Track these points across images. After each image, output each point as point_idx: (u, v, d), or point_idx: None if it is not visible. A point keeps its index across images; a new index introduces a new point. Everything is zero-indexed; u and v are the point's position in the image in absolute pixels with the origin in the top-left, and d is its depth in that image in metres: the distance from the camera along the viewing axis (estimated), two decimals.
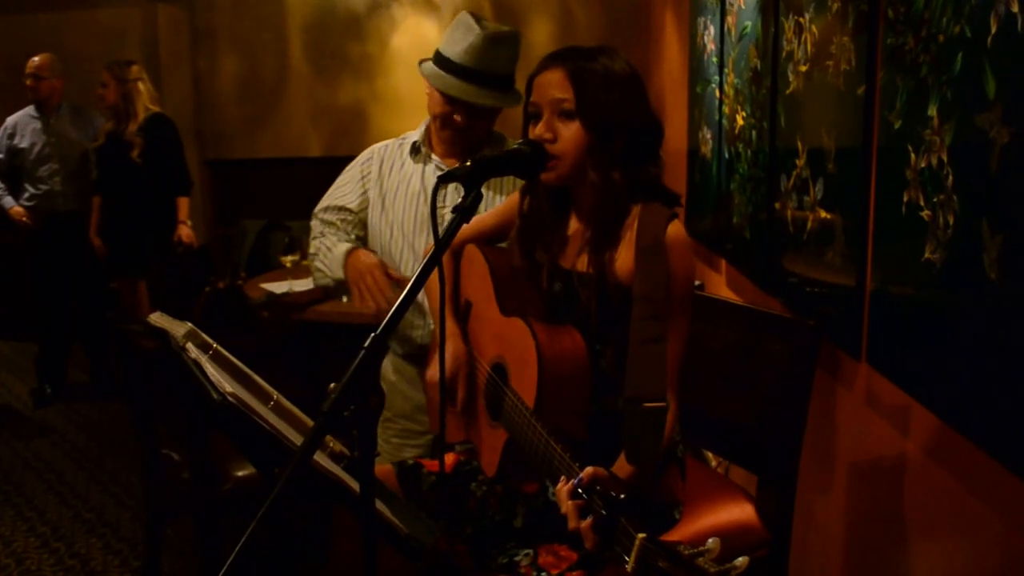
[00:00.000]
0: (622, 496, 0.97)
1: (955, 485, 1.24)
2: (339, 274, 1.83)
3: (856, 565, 1.62)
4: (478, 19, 1.77)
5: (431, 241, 1.83)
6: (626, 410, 1.13)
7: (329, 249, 1.86)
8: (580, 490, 1.02)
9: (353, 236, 1.90)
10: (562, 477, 1.06)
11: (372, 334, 0.92)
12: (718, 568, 0.82)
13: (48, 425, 3.78)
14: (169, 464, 2.19)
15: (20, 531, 2.83)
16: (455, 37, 1.77)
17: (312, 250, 1.92)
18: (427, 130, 1.89)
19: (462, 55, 1.74)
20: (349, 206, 1.90)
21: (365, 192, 1.90)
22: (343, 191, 1.92)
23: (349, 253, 1.81)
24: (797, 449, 1.48)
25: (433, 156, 1.87)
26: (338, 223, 1.90)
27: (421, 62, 1.83)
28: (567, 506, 1.02)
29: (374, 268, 1.78)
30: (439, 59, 1.78)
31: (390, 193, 1.88)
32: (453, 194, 1.85)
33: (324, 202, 1.93)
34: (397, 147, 1.92)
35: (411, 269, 1.87)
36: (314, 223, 1.94)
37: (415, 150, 1.88)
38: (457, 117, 1.77)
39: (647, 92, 1.29)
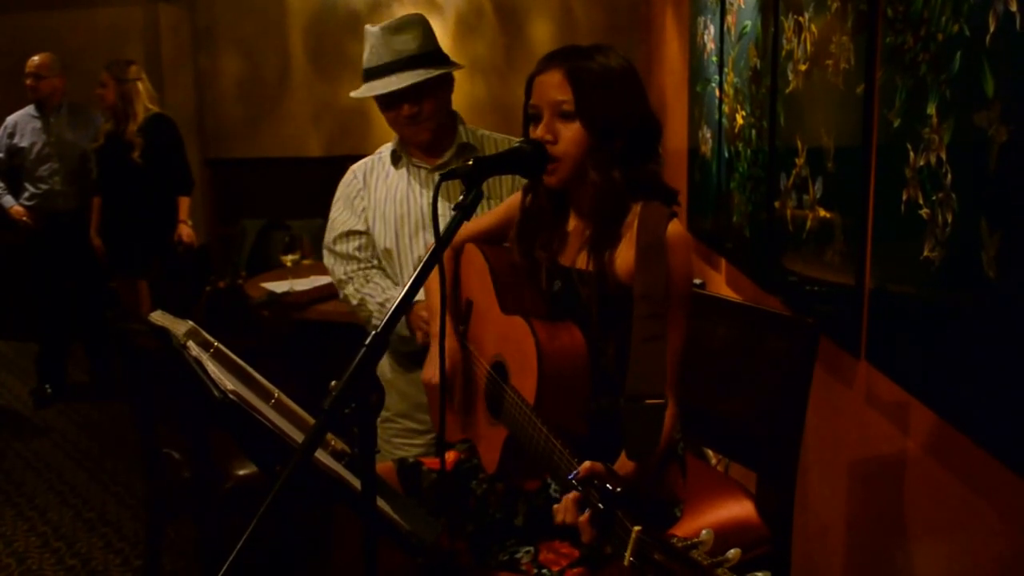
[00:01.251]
0: (619, 490, 0.97)
1: (954, 482, 1.24)
2: (404, 332, 1.83)
3: (856, 561, 1.63)
4: (377, 24, 1.83)
5: (430, 240, 1.84)
6: (626, 407, 1.14)
7: (381, 305, 1.85)
8: (576, 483, 1.02)
9: (376, 262, 1.91)
10: (574, 493, 1.06)
11: (373, 332, 0.92)
12: (711, 560, 0.83)
13: (49, 425, 3.78)
14: (170, 463, 2.19)
15: (21, 531, 2.83)
16: (366, 50, 1.83)
17: (353, 300, 1.89)
18: (400, 137, 1.92)
19: (372, 58, 1.80)
20: (356, 228, 1.91)
21: (364, 209, 1.91)
22: (343, 218, 1.93)
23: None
24: (797, 446, 1.48)
25: (413, 159, 1.90)
26: (356, 254, 1.90)
27: (352, 95, 1.89)
28: (566, 500, 1.03)
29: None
30: (364, 75, 1.84)
31: (380, 204, 1.90)
32: (447, 193, 1.86)
33: (330, 234, 1.93)
34: (377, 160, 1.95)
35: (409, 274, 1.88)
36: (329, 259, 1.93)
37: (395, 158, 1.91)
38: (404, 111, 1.80)
39: (645, 88, 1.30)
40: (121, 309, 3.86)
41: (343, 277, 1.91)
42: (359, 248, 1.90)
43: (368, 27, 1.83)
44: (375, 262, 1.91)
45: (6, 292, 4.80)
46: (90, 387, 4.22)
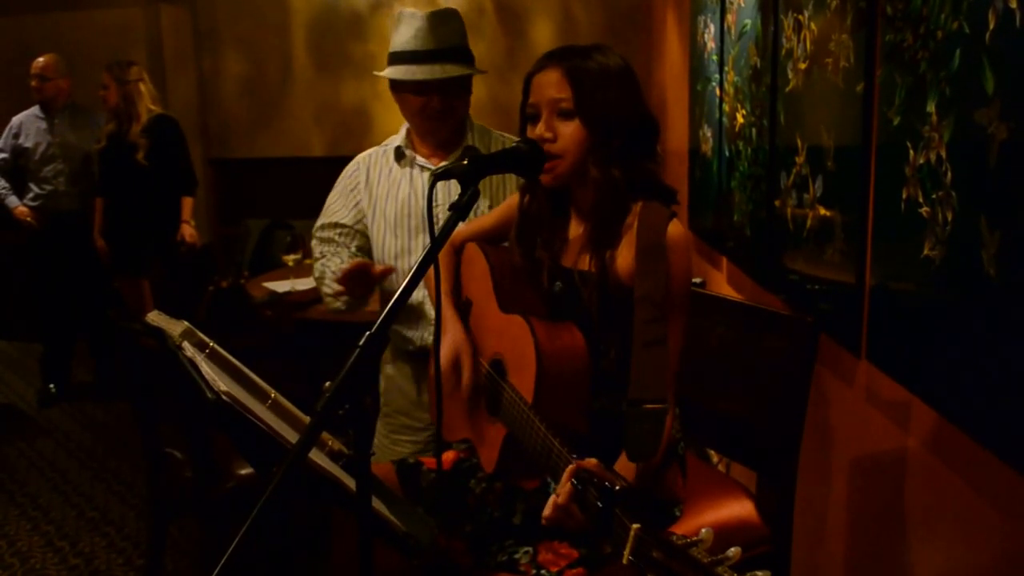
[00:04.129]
0: (617, 487, 0.97)
1: (955, 480, 1.24)
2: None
3: (857, 561, 1.62)
4: (414, 11, 1.81)
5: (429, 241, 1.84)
6: (627, 412, 1.13)
7: (335, 272, 1.84)
8: (575, 480, 1.02)
9: (353, 249, 1.91)
10: (574, 460, 1.06)
11: (367, 332, 0.92)
12: (711, 558, 0.83)
13: (52, 424, 3.79)
14: (172, 463, 2.19)
15: (24, 530, 2.84)
16: (401, 32, 1.79)
17: (316, 273, 1.92)
18: (408, 133, 1.89)
19: (413, 41, 1.76)
20: (343, 221, 1.91)
21: (357, 204, 1.90)
22: (335, 208, 1.93)
23: None
24: (797, 446, 1.48)
25: (418, 158, 1.87)
26: (336, 238, 1.91)
27: (378, 74, 1.86)
28: (563, 487, 1.03)
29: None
30: (395, 58, 1.79)
31: (381, 200, 1.88)
32: (449, 193, 1.85)
33: (319, 220, 1.95)
34: (382, 154, 1.92)
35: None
36: (313, 243, 1.96)
37: (400, 155, 1.89)
38: (433, 103, 1.77)
39: (641, 87, 1.29)
40: (123, 309, 3.87)
41: (318, 255, 1.93)
42: (340, 235, 1.91)
43: (409, 11, 1.80)
44: (352, 249, 1.91)
45: (10, 292, 4.81)
46: (94, 387, 4.23)
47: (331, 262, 1.88)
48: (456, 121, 1.83)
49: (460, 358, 1.36)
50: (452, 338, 1.38)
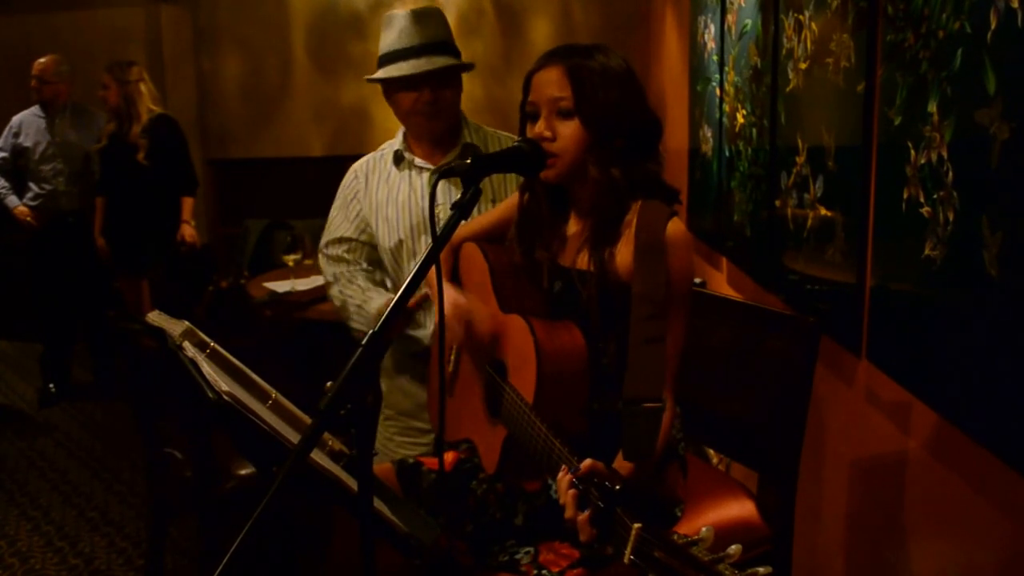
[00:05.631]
0: (618, 487, 0.97)
1: (955, 480, 1.24)
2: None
3: (857, 560, 1.62)
4: (396, 12, 1.84)
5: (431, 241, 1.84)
6: (624, 411, 1.13)
7: (359, 307, 1.86)
8: (576, 481, 1.02)
9: (364, 265, 1.92)
10: (563, 467, 1.07)
11: (369, 332, 0.92)
12: (712, 556, 0.83)
13: (52, 424, 3.79)
14: (172, 462, 2.19)
15: (24, 530, 2.84)
16: (386, 34, 1.82)
17: (336, 302, 1.92)
18: (404, 136, 1.90)
19: (399, 40, 1.79)
20: (347, 235, 1.92)
21: (358, 214, 1.91)
22: (337, 223, 1.94)
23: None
24: (798, 446, 1.47)
25: (416, 160, 1.88)
26: (345, 256, 1.92)
27: (368, 79, 1.88)
28: (566, 496, 1.03)
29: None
30: (384, 60, 1.82)
31: (382, 206, 1.89)
32: (449, 193, 1.85)
33: (324, 237, 1.96)
34: (379, 159, 1.93)
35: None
36: (321, 260, 1.96)
37: (398, 159, 1.89)
38: (424, 97, 1.79)
39: (644, 88, 1.29)
40: (123, 309, 3.87)
41: (331, 279, 1.93)
42: (348, 251, 1.93)
43: (392, 12, 1.83)
44: (363, 264, 1.92)
45: (10, 292, 4.81)
46: (94, 387, 4.23)
47: (349, 289, 1.88)
48: (449, 115, 1.84)
49: (469, 312, 1.33)
50: (453, 298, 1.35)
